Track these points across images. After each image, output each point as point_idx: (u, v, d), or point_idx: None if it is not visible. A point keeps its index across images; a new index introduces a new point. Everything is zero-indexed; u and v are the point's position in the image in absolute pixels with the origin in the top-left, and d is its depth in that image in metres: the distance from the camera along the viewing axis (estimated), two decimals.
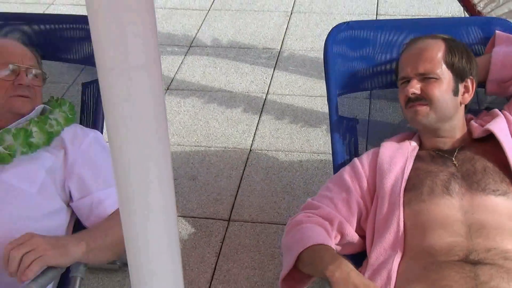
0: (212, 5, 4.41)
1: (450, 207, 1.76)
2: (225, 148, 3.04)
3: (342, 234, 1.87)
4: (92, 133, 2.05)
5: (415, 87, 1.92)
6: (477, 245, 1.67)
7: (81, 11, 4.26)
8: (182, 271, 0.87)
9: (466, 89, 1.97)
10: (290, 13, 4.25)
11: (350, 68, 2.23)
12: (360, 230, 1.90)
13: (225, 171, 2.89)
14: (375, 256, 1.78)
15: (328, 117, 2.20)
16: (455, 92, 1.94)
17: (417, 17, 4.09)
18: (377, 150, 1.98)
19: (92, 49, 2.07)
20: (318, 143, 3.01)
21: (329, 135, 2.97)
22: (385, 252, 1.78)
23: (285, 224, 2.54)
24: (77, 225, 1.98)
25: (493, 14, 2.67)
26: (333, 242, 1.83)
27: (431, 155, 1.92)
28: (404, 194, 1.83)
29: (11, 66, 1.99)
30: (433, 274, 1.66)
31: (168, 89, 3.48)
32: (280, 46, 3.88)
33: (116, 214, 1.90)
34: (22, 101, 1.99)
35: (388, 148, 1.96)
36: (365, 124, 2.24)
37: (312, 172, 2.85)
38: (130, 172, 0.75)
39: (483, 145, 1.91)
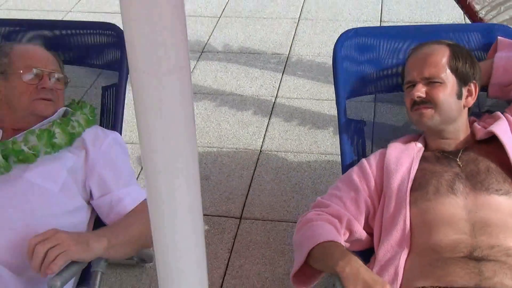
0: (223, 12, 4.42)
1: (455, 206, 1.76)
2: (236, 149, 3.04)
3: (351, 231, 1.88)
4: (112, 134, 2.06)
5: (420, 91, 1.92)
6: (481, 243, 1.68)
7: (97, 18, 4.28)
8: (206, 267, 0.88)
9: (470, 92, 1.97)
10: (297, 20, 4.26)
11: (358, 72, 2.24)
12: (368, 228, 1.91)
13: (236, 171, 2.90)
14: (383, 252, 1.79)
15: (335, 119, 2.21)
16: (459, 96, 1.94)
17: (419, 23, 4.09)
18: (384, 151, 1.98)
19: (111, 54, 2.10)
20: (326, 144, 3.01)
21: (336, 136, 3.00)
22: (392, 249, 1.78)
23: (294, 222, 2.57)
24: (97, 222, 1.99)
25: (494, 21, 2.66)
26: (342, 239, 1.84)
27: (436, 156, 1.92)
28: (410, 194, 1.83)
29: (35, 70, 2.00)
30: (439, 270, 1.67)
31: None
32: (288, 51, 3.88)
33: (134, 212, 1.91)
34: (45, 104, 2.01)
35: (395, 149, 1.96)
36: (371, 126, 2.25)
37: (319, 172, 2.85)
38: (160, 172, 0.75)
39: (486, 147, 1.91)
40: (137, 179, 2.51)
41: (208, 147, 3.05)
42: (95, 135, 2.01)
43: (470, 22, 2.88)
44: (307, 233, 1.83)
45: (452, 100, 1.93)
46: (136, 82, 0.68)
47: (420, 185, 1.84)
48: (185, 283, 0.86)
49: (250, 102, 3.40)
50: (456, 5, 2.85)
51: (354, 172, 1.96)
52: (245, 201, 2.72)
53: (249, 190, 2.78)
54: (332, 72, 2.23)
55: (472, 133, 1.99)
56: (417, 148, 1.96)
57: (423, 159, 1.92)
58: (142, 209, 1.93)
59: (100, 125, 2.21)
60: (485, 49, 2.24)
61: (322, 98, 3.37)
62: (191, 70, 3.71)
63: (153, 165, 0.74)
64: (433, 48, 1.98)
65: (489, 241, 1.68)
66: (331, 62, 2.22)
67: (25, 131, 1.93)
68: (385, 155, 1.95)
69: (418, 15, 4.24)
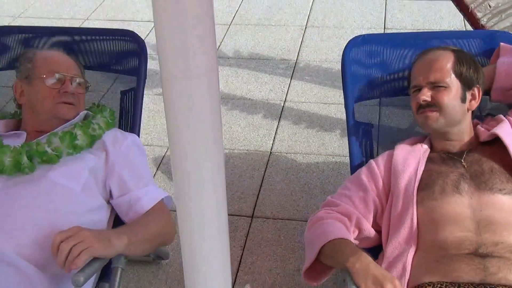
0: (233, 20, 4.43)
1: (460, 205, 1.76)
2: (247, 151, 3.05)
3: (360, 229, 1.88)
4: (131, 136, 2.06)
5: (426, 95, 1.93)
6: (486, 240, 1.68)
7: (112, 25, 4.30)
8: (230, 265, 0.87)
9: (473, 96, 1.98)
10: (304, 27, 4.26)
11: (365, 76, 2.24)
12: (376, 226, 1.91)
13: (248, 171, 2.90)
14: (391, 249, 1.79)
15: (342, 122, 2.21)
16: (463, 99, 1.94)
17: (421, 30, 4.08)
18: (391, 152, 1.98)
19: (129, 60, 2.10)
20: (333, 146, 3.01)
21: (343, 139, 3.01)
22: (400, 246, 1.78)
23: (303, 221, 2.57)
24: (116, 221, 1.99)
25: (496, 28, 2.66)
26: (352, 236, 1.84)
27: (442, 157, 1.92)
28: (417, 193, 1.83)
29: (57, 75, 2.01)
30: (445, 266, 1.67)
31: None
32: (296, 57, 3.88)
33: (152, 210, 1.91)
34: (67, 108, 2.02)
35: (402, 151, 1.97)
36: (377, 129, 2.25)
37: (327, 173, 2.85)
38: (188, 171, 0.75)
39: (489, 148, 1.91)
40: None
41: None
42: (114, 137, 2.02)
43: (470, 29, 2.88)
44: (318, 231, 1.83)
45: (456, 103, 1.93)
46: (167, 85, 0.69)
47: (426, 185, 1.84)
48: (211, 276, 0.86)
49: (260, 106, 3.40)
50: (457, 13, 2.85)
51: (363, 172, 1.96)
52: (257, 201, 2.72)
53: (260, 190, 2.78)
54: (338, 77, 2.23)
55: (476, 135, 1.99)
56: (423, 149, 1.96)
57: (429, 160, 1.92)
58: (159, 208, 1.94)
59: (119, 127, 2.22)
60: (487, 55, 2.24)
61: (329, 102, 3.37)
62: None
63: (182, 167, 0.74)
64: (438, 54, 1.98)
65: (493, 238, 1.68)
66: (337, 68, 2.23)
67: (48, 133, 1.94)
68: (393, 156, 1.95)
69: (420, 22, 4.23)
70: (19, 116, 2.14)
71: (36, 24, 4.24)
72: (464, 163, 1.87)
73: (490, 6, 2.65)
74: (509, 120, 1.97)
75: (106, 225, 1.95)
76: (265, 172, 2.89)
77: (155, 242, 1.90)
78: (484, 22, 2.69)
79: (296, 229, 2.56)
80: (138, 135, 2.20)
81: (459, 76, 1.94)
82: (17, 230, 1.70)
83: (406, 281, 1.71)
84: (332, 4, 4.57)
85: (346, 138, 2.21)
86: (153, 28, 4.31)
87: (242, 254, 2.44)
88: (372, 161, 1.99)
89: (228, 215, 2.64)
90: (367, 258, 1.62)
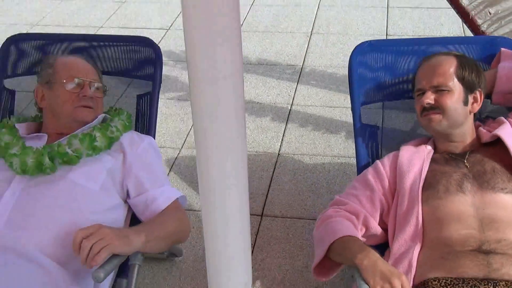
0: (242, 27, 4.43)
1: (463, 204, 1.76)
2: (256, 152, 3.05)
3: (367, 227, 1.88)
4: (147, 139, 2.07)
5: (429, 98, 1.93)
6: (489, 237, 1.68)
7: (126, 32, 4.31)
8: (251, 262, 0.87)
9: (475, 99, 1.97)
10: (310, 34, 4.26)
11: (371, 81, 2.24)
12: (383, 224, 1.91)
13: (257, 172, 2.90)
14: (397, 246, 1.79)
15: (347, 125, 2.21)
16: (465, 102, 1.94)
17: (422, 37, 4.08)
18: (397, 153, 1.99)
19: (145, 65, 2.10)
20: (339, 147, 3.01)
21: (348, 140, 3.01)
22: (406, 243, 1.78)
23: (311, 219, 2.57)
24: (132, 220, 2.00)
25: (496, 34, 2.66)
26: (359, 234, 1.84)
27: (445, 158, 1.92)
28: (422, 192, 1.83)
29: (76, 80, 2.02)
30: (450, 262, 1.67)
31: None
32: (302, 63, 3.88)
33: (168, 209, 1.92)
34: (86, 111, 2.02)
35: (407, 152, 1.97)
36: (382, 131, 2.25)
37: (333, 174, 2.85)
38: (213, 170, 0.75)
39: (491, 149, 1.91)
40: None
41: None
42: (131, 139, 2.03)
43: (470, 35, 2.88)
44: (327, 229, 1.83)
45: (458, 106, 1.93)
46: (194, 87, 0.69)
47: (430, 184, 1.84)
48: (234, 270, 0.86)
49: (268, 109, 3.40)
50: (456, 20, 2.85)
51: (369, 172, 1.97)
52: (266, 200, 2.72)
53: (269, 190, 2.78)
54: (342, 82, 2.23)
55: (478, 137, 1.99)
56: (427, 150, 1.96)
57: (433, 160, 1.92)
58: (174, 207, 1.94)
59: (135, 130, 2.22)
60: (487, 59, 2.24)
61: (334, 105, 3.37)
62: None
63: (207, 166, 0.74)
64: (441, 59, 1.98)
65: (496, 235, 1.68)
66: (341, 73, 2.23)
67: (68, 135, 1.95)
68: (398, 157, 1.96)
69: (421, 29, 4.23)
70: (40, 119, 2.15)
71: (52, 32, 4.25)
72: (466, 164, 1.87)
73: (490, 13, 2.65)
74: (509, 122, 1.97)
75: (123, 223, 1.96)
76: (273, 172, 2.89)
77: (170, 239, 1.90)
78: (484, 28, 2.68)
79: (304, 227, 2.56)
80: (154, 137, 2.21)
81: (461, 80, 1.94)
82: (40, 229, 1.71)
83: (412, 276, 1.71)
84: (336, 12, 4.57)
85: (351, 139, 2.21)
86: (165, 36, 4.32)
87: (252, 252, 2.44)
88: (378, 162, 1.99)
89: None
90: (374, 255, 1.63)
